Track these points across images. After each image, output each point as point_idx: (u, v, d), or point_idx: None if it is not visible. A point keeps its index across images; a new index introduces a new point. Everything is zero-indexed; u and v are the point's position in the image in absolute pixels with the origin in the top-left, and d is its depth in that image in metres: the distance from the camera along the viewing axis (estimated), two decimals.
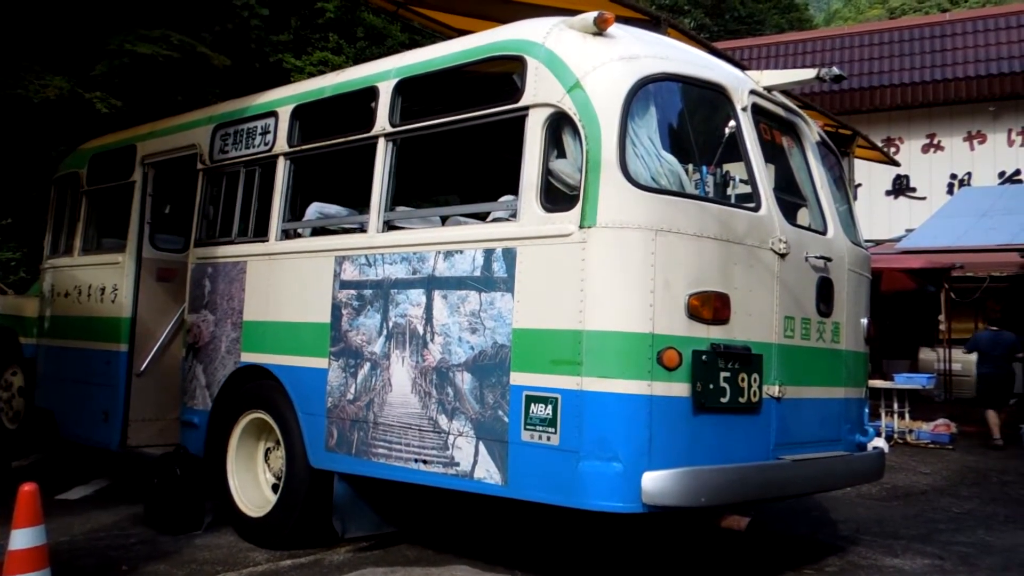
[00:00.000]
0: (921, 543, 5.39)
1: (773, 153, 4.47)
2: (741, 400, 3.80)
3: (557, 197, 3.92)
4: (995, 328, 11.22)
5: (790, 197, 4.50)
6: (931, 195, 16.65)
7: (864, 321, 4.83)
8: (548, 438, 3.65)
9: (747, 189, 4.14)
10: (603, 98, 3.75)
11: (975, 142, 16.61)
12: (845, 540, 5.43)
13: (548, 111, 3.89)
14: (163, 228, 6.56)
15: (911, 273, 15.02)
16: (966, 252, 12.08)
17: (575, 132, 3.79)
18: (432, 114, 4.44)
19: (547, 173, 3.92)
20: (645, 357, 3.57)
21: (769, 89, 4.46)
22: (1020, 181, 16.06)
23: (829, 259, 4.37)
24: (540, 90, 3.92)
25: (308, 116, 5.22)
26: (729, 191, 4.17)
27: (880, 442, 9.83)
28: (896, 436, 10.50)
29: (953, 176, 16.70)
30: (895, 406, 10.54)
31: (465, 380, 4.06)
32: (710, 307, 3.72)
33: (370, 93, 4.75)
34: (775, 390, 3.98)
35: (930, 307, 16.76)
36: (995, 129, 16.40)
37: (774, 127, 4.50)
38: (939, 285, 15.85)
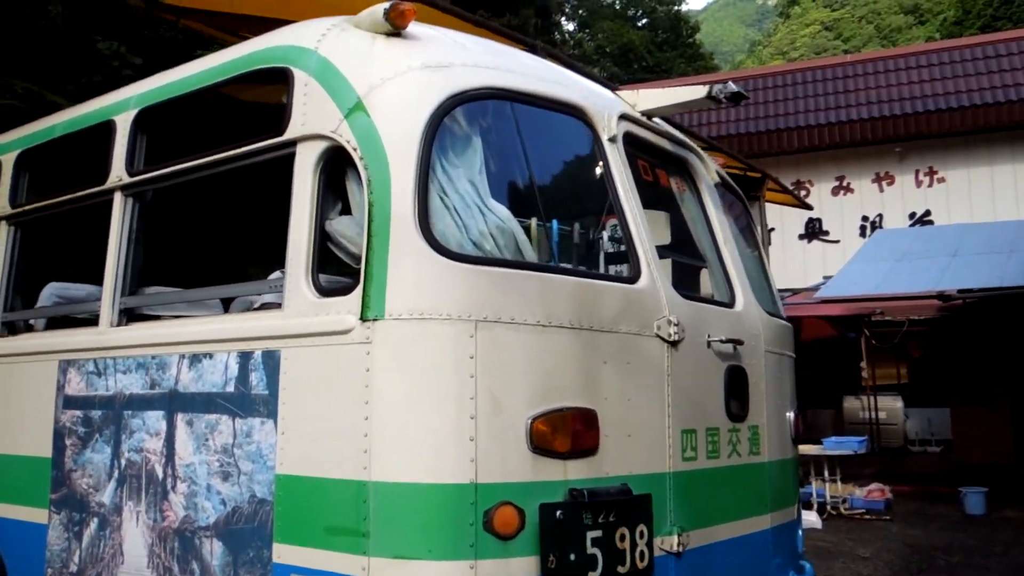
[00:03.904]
0: None
1: (656, 199, 3.31)
2: (621, 569, 2.52)
3: (337, 274, 2.64)
4: None
5: (682, 258, 3.33)
6: (844, 238, 16.14)
7: (790, 416, 3.66)
8: None
9: (619, 250, 2.95)
10: (394, 123, 2.51)
11: (884, 183, 16.22)
12: None
13: (321, 145, 2.63)
14: None
15: (831, 320, 14.36)
16: (887, 300, 11.34)
17: (358, 175, 2.53)
18: (185, 157, 3.12)
19: (322, 237, 2.64)
20: (465, 523, 2.27)
21: (648, 115, 3.30)
22: (931, 222, 15.69)
23: (740, 341, 3.18)
24: (310, 115, 2.66)
25: (37, 165, 3.83)
26: (593, 255, 2.96)
27: (812, 516, 8.76)
28: (829, 506, 9.44)
29: (864, 218, 16.26)
30: (825, 473, 9.51)
31: (215, 552, 2.67)
32: (566, 433, 2.45)
33: (105, 130, 3.40)
34: (673, 542, 2.72)
35: (851, 354, 16.16)
36: (902, 170, 16.05)
37: (657, 165, 3.34)
38: (859, 331, 15.27)
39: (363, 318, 2.39)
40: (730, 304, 3.32)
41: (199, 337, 2.86)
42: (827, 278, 13.37)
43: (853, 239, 15.88)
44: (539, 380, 2.44)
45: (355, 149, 2.52)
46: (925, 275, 11.05)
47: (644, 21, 39.96)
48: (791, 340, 3.87)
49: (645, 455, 2.70)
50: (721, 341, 3.07)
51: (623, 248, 2.91)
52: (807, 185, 16.47)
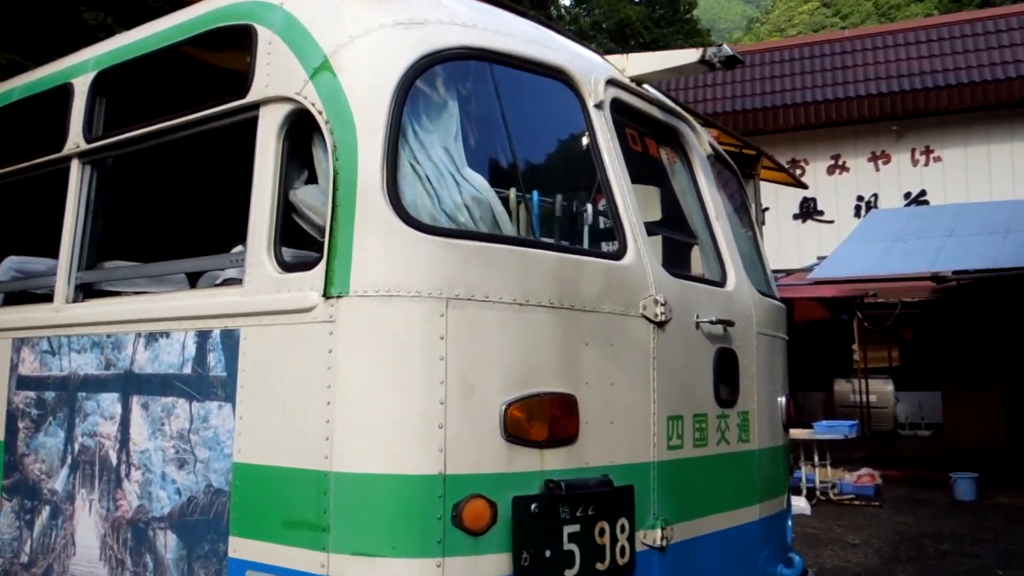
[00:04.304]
0: None
1: (646, 171, 3.12)
2: (600, 567, 2.36)
3: (302, 247, 2.46)
4: None
5: (671, 233, 3.16)
6: (839, 218, 15.98)
7: (781, 401, 3.51)
8: None
9: (605, 225, 2.77)
10: (362, 83, 2.32)
11: (880, 162, 16.05)
12: None
13: (285, 108, 2.43)
14: None
15: (824, 302, 14.22)
16: (881, 281, 11.20)
17: (324, 141, 2.34)
18: (145, 122, 2.91)
19: (286, 208, 2.45)
20: (432, 517, 2.10)
21: (638, 81, 3.10)
22: (926, 202, 15.54)
23: (730, 322, 3.01)
24: (274, 76, 2.46)
25: None
26: (577, 229, 2.78)
27: (801, 502, 8.67)
28: (818, 492, 9.35)
29: (860, 198, 16.09)
30: (815, 458, 9.41)
31: (169, 544, 2.51)
32: (543, 420, 2.29)
33: (63, 95, 3.19)
34: (656, 536, 2.57)
35: (843, 336, 16.04)
36: (899, 149, 15.87)
37: (647, 134, 3.15)
38: (851, 313, 15.14)
39: (326, 295, 2.21)
40: (721, 283, 3.15)
41: (155, 315, 2.68)
42: (821, 258, 13.25)
43: (848, 219, 15.72)
44: (515, 363, 2.27)
45: (320, 112, 2.32)
46: (920, 256, 10.92)
47: None
48: (784, 321, 3.71)
49: (628, 444, 2.54)
50: (711, 322, 2.90)
51: (609, 222, 2.73)
52: (803, 164, 16.28)
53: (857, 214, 15.90)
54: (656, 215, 3.22)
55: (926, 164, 15.79)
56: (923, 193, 15.72)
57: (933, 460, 11.85)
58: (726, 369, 3.00)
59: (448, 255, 2.21)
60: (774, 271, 4.57)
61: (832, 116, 15.66)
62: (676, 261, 3.15)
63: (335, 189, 2.25)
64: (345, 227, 2.21)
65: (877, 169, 16.06)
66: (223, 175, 3.51)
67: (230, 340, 2.42)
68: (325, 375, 2.18)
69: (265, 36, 2.51)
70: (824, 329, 15.52)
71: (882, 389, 15.80)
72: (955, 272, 10.25)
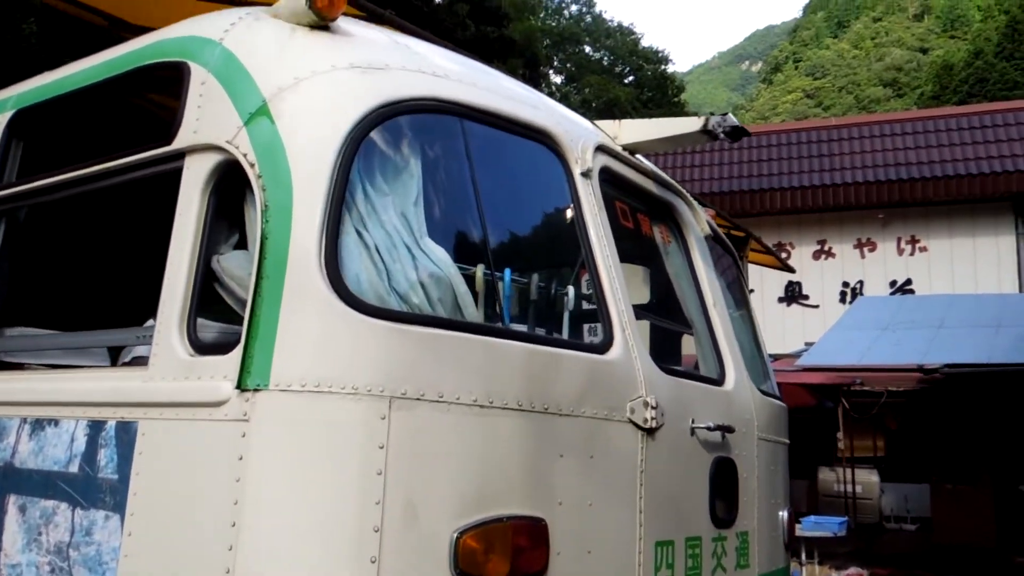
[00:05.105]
0: None
1: (637, 250, 2.76)
2: None
3: (223, 324, 2.04)
4: None
5: (663, 322, 2.77)
6: (824, 303, 15.79)
7: (783, 515, 3.07)
8: None
9: (588, 310, 2.37)
10: (304, 132, 1.94)
11: (865, 249, 15.95)
12: None
13: (213, 158, 2.05)
14: None
15: (809, 388, 13.87)
16: (868, 370, 10.89)
17: (255, 199, 1.94)
18: (63, 168, 2.51)
19: (206, 277, 2.05)
20: None
21: (632, 150, 2.76)
22: (912, 291, 15.39)
23: (730, 428, 2.59)
24: (205, 121, 2.09)
25: None
26: (555, 315, 2.38)
27: None
28: None
29: (845, 284, 15.93)
30: (803, 555, 8.87)
31: None
32: (504, 551, 1.84)
33: None
34: None
35: (828, 423, 15.64)
36: (885, 237, 15.80)
37: (639, 209, 2.79)
38: (836, 400, 14.78)
39: (241, 387, 1.78)
40: (719, 381, 2.75)
41: (44, 398, 2.23)
42: (808, 344, 12.95)
43: (833, 305, 15.53)
44: (472, 479, 1.84)
45: (252, 164, 1.94)
46: (910, 347, 10.66)
47: (631, 79, 40.27)
48: (786, 423, 3.31)
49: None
50: (708, 428, 2.48)
51: (594, 308, 2.34)
52: (788, 247, 16.15)
53: (843, 300, 15.72)
54: (645, 298, 2.84)
55: (912, 253, 15.71)
56: (908, 281, 15.59)
57: (922, 557, 11.34)
58: (724, 483, 2.57)
59: (395, 343, 1.80)
60: None
61: (819, 202, 15.62)
62: (667, 352, 2.76)
63: (261, 257, 1.84)
64: (270, 304, 1.80)
65: (863, 256, 15.95)
66: (152, 234, 3.11)
67: (125, 435, 1.98)
68: (233, 488, 1.74)
69: (199, 76, 2.14)
70: (809, 416, 15.11)
71: (867, 480, 15.31)
72: (948, 365, 9.95)
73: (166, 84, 2.45)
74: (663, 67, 41.31)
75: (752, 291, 15.04)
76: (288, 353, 1.77)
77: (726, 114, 2.62)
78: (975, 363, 9.63)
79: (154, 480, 1.89)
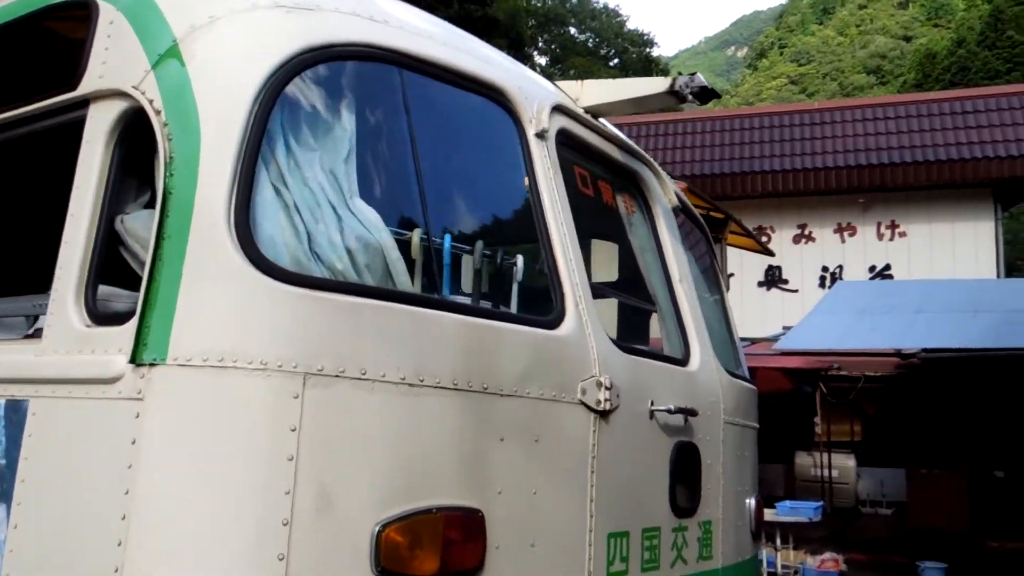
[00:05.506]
0: None
1: (596, 220, 2.56)
2: None
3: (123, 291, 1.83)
4: None
5: (625, 297, 2.59)
6: (803, 287, 15.73)
7: (750, 503, 2.91)
8: None
9: (540, 283, 2.18)
10: (217, 76, 1.73)
11: (845, 234, 15.88)
12: None
13: (119, 105, 1.83)
14: None
15: (787, 372, 13.83)
16: (846, 355, 10.81)
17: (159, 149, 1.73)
18: None
19: (107, 238, 1.83)
20: None
21: (594, 113, 2.56)
22: (891, 276, 15.35)
23: (693, 411, 2.42)
24: (111, 64, 1.87)
25: None
26: (502, 288, 2.19)
27: None
28: None
29: (825, 269, 15.87)
30: (777, 540, 8.79)
31: None
32: (434, 545, 1.66)
33: None
34: None
35: (806, 408, 15.63)
36: (865, 222, 15.73)
37: (600, 176, 2.59)
38: (814, 385, 14.75)
39: (136, 361, 1.58)
40: (683, 361, 2.57)
41: None
42: (787, 328, 12.88)
43: (812, 289, 15.47)
44: (399, 466, 1.65)
45: (158, 111, 1.73)
46: (888, 332, 10.58)
47: (616, 61, 39.97)
48: (755, 407, 3.14)
49: (555, 573, 1.91)
50: (669, 411, 2.31)
51: (544, 279, 2.15)
52: (768, 231, 16.05)
53: (822, 284, 15.67)
54: (611, 275, 2.66)
55: (891, 239, 15.66)
56: (888, 267, 15.55)
57: (898, 542, 11.35)
58: (685, 469, 2.40)
59: (312, 313, 1.60)
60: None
61: (800, 185, 15.52)
62: (634, 333, 2.58)
63: (163, 215, 1.64)
64: (171, 268, 1.60)
65: (843, 241, 15.89)
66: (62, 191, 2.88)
67: (15, 415, 1.77)
68: (125, 475, 1.54)
69: (107, 14, 1.92)
70: (786, 400, 15.09)
71: (844, 464, 15.33)
72: (925, 350, 9.88)
73: (69, 23, 2.22)
74: (648, 50, 41.04)
75: (732, 275, 14.99)
76: (189, 323, 1.57)
77: (694, 74, 2.42)
78: (952, 348, 9.57)
79: (43, 466, 1.69)
